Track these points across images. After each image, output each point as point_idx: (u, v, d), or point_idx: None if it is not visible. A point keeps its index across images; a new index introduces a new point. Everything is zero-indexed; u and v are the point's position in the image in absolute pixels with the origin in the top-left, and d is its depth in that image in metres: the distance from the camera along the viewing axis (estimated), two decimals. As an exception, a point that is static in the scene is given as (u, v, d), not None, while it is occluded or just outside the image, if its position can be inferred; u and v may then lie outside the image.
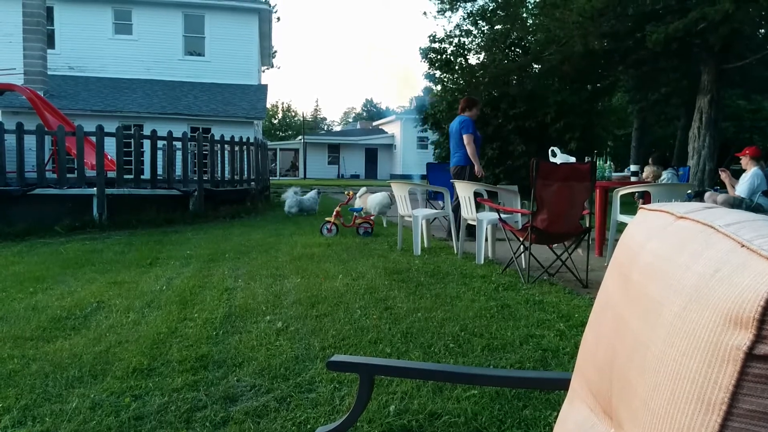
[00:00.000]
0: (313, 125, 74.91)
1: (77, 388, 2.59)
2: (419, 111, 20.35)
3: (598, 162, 6.30)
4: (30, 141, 9.10)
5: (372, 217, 8.38)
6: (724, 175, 7.40)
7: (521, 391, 2.53)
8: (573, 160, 6.30)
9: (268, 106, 25.87)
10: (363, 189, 10.13)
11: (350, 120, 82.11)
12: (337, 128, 76.85)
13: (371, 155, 44.23)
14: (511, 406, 2.41)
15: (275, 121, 67.04)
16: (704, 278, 0.58)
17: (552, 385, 1.23)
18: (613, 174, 6.61)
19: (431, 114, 18.12)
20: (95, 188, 9.05)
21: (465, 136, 6.95)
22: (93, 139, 9.63)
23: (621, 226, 5.84)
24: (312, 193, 11.82)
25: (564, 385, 1.10)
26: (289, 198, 11.25)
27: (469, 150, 6.90)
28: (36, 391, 2.57)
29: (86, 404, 2.41)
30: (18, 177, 8.87)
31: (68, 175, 9.37)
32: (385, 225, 6.74)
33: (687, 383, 0.55)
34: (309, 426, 2.25)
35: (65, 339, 3.33)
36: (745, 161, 7.00)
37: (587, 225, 5.07)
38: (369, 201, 9.37)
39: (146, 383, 2.65)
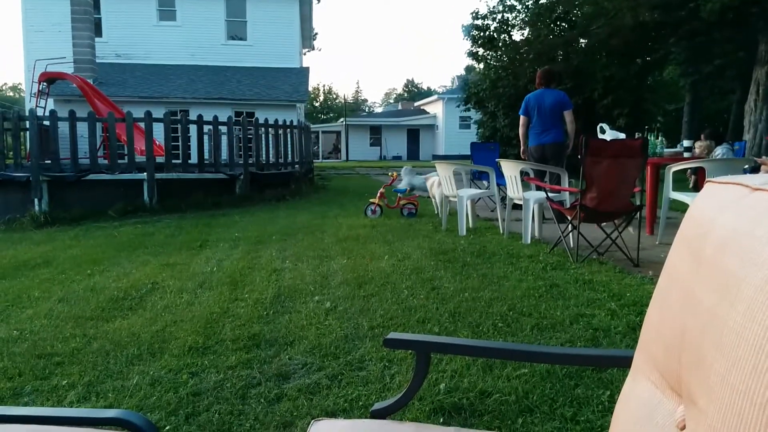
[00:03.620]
0: (355, 107, 74.92)
1: (137, 366, 2.69)
2: (462, 90, 20.13)
3: (649, 138, 6.12)
4: (82, 128, 9.37)
5: (416, 197, 8.34)
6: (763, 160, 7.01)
7: (572, 371, 2.50)
8: (623, 136, 6.14)
9: (310, 88, 25.96)
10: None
11: (391, 101, 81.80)
12: (378, 110, 76.70)
13: (413, 136, 44.07)
14: (563, 384, 2.39)
15: (317, 104, 67.40)
16: (788, 250, 0.56)
17: (613, 362, 1.21)
18: (665, 150, 6.41)
19: (474, 93, 17.89)
20: (145, 173, 9.28)
21: (568, 113, 6.71)
22: (141, 125, 9.86)
23: (673, 204, 5.69)
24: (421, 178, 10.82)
25: (625, 362, 1.08)
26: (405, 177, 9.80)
27: (573, 128, 6.69)
28: (98, 368, 2.67)
29: (146, 381, 2.50)
30: (72, 163, 9.17)
31: (119, 161, 9.63)
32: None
33: (771, 358, 0.53)
34: (361, 402, 2.28)
35: (123, 318, 3.44)
36: None
37: (638, 203, 4.94)
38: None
39: (202, 361, 2.72)
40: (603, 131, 6.52)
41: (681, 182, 7.29)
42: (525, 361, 1.14)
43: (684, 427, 0.78)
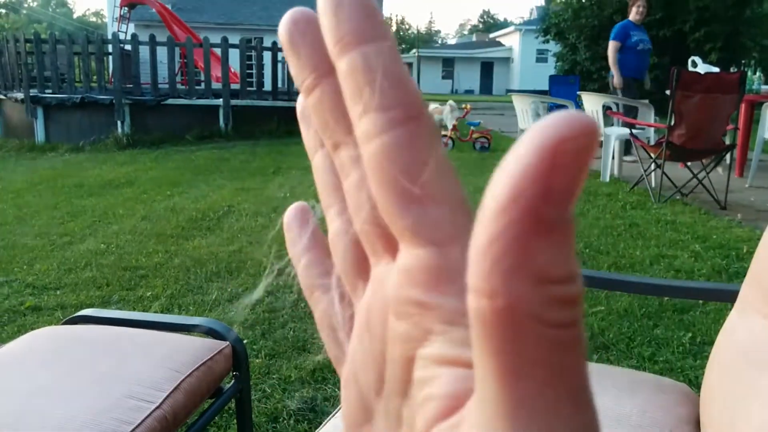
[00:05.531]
0: (427, 38, 73.14)
1: (215, 282, 2.79)
2: (541, 21, 19.21)
3: (747, 73, 5.67)
4: (161, 54, 9.54)
5: (490, 131, 8.14)
6: None
7: (651, 311, 2.42)
8: (717, 70, 5.72)
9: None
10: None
11: (465, 33, 79.27)
12: (452, 42, 74.55)
13: (487, 69, 42.77)
14: (641, 324, 2.32)
15: (389, 35, 66.10)
16: None
17: (715, 296, 1.14)
18: (763, 86, 5.94)
19: (554, 24, 17.04)
20: (221, 99, 9.42)
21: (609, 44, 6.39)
22: (218, 51, 9.94)
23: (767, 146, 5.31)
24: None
25: (727, 297, 1.02)
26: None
27: (611, 58, 6.32)
28: (179, 282, 2.79)
29: (225, 296, 2.60)
30: (152, 87, 9.40)
31: (196, 87, 9.80)
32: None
33: None
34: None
35: (202, 238, 3.57)
36: None
37: (729, 142, 4.63)
38: None
39: (278, 281, 2.79)
40: (695, 65, 6.09)
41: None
42: (618, 290, 1.08)
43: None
